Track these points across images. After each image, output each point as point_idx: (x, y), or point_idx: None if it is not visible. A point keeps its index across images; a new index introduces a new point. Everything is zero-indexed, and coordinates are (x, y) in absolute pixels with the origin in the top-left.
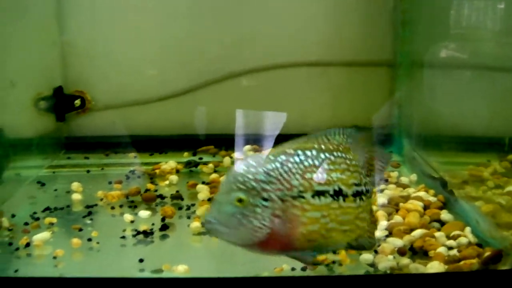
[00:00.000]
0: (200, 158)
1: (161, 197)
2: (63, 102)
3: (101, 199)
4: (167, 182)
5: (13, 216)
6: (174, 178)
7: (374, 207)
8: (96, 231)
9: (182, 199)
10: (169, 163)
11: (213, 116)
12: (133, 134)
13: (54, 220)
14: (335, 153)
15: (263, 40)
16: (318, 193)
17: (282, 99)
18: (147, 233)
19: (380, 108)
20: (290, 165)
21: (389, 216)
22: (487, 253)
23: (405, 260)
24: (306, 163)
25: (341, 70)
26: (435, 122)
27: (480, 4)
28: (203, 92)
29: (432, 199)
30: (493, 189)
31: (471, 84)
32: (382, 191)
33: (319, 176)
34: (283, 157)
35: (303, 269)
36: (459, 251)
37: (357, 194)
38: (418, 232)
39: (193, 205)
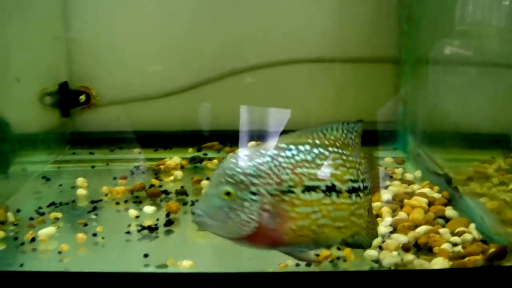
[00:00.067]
0: (205, 154)
1: (166, 192)
2: (68, 98)
3: (106, 195)
4: (171, 177)
5: (18, 211)
6: (179, 173)
7: (379, 204)
8: (101, 226)
9: (187, 195)
10: (173, 158)
11: (217, 112)
12: (138, 129)
13: (59, 215)
14: (330, 149)
15: (268, 37)
16: (309, 188)
17: (286, 96)
18: (152, 229)
19: (384, 105)
20: (280, 159)
21: (394, 212)
22: (492, 250)
23: (409, 256)
24: (297, 158)
25: (345, 66)
26: (440, 118)
27: (485, 1)
28: (207, 88)
29: (437, 195)
30: (498, 186)
31: (476, 80)
32: (386, 187)
33: (311, 171)
34: (274, 151)
35: (308, 265)
36: (463, 247)
37: (352, 191)
38: (422, 229)
39: (197, 200)
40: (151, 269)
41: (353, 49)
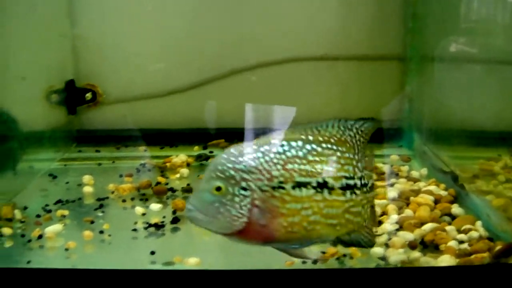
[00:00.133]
0: (211, 152)
1: (172, 190)
2: (74, 96)
3: (112, 192)
4: (178, 175)
5: (25, 208)
6: (185, 171)
7: (385, 201)
8: (107, 223)
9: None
10: (179, 156)
11: (223, 110)
12: (143, 127)
13: (66, 212)
14: (323, 145)
15: (271, 35)
16: (300, 185)
17: (292, 94)
18: (158, 226)
19: (390, 102)
20: (272, 155)
21: (400, 210)
22: (498, 247)
23: (416, 254)
24: (289, 154)
25: (350, 64)
26: (446, 116)
27: None
28: (213, 86)
29: (443, 193)
30: (504, 183)
31: (482, 78)
32: (392, 185)
33: (302, 167)
34: (266, 147)
35: (314, 262)
36: (470, 245)
37: (347, 188)
38: (428, 226)
39: None
40: (157, 266)
41: (358, 47)
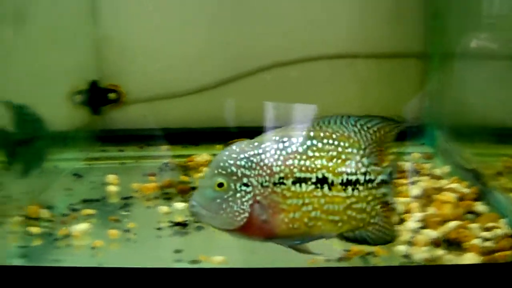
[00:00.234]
0: None
1: (195, 189)
2: (98, 96)
3: (136, 191)
4: (200, 174)
5: (51, 207)
6: (207, 170)
7: (408, 199)
8: (132, 222)
9: None
10: (202, 155)
11: (245, 109)
12: (166, 126)
13: (91, 211)
14: (324, 140)
15: (293, 33)
16: (300, 180)
17: (312, 92)
18: (183, 225)
19: (411, 100)
20: (272, 151)
21: (423, 208)
22: None
23: (439, 252)
24: (289, 150)
25: (371, 62)
26: (468, 113)
27: None
28: (235, 85)
29: (466, 190)
30: None
31: (504, 74)
32: (415, 183)
33: (302, 163)
34: (267, 143)
35: (339, 260)
36: (494, 242)
37: (348, 183)
38: (452, 224)
39: None
40: (183, 265)
41: (378, 44)
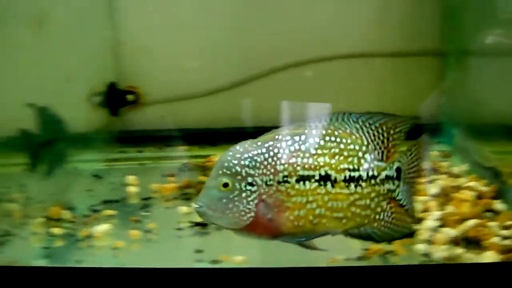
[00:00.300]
0: None
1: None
2: (116, 97)
3: (156, 192)
4: None
5: (73, 208)
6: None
7: (426, 198)
8: (152, 223)
9: None
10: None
11: (262, 109)
12: (184, 127)
13: (112, 212)
14: (326, 138)
15: (309, 33)
16: (303, 178)
17: (329, 92)
18: (203, 225)
19: (428, 98)
20: (276, 150)
21: (442, 206)
22: None
23: (459, 250)
24: (292, 148)
25: (387, 60)
26: (486, 111)
27: None
28: (252, 85)
29: (484, 189)
30: None
31: None
32: (433, 181)
33: (305, 161)
34: (270, 142)
35: (358, 258)
36: None
37: (350, 180)
38: (471, 222)
39: None
40: (204, 265)
41: (394, 43)
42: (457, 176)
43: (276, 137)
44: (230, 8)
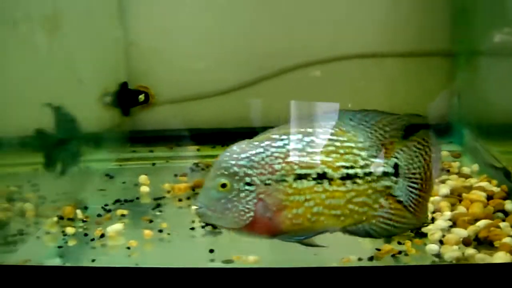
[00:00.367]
0: None
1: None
2: (128, 97)
3: (168, 192)
4: None
5: (86, 208)
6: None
7: (437, 198)
8: (165, 222)
9: None
10: None
11: (272, 109)
12: (195, 127)
13: (125, 212)
14: (322, 136)
15: (319, 33)
16: (300, 177)
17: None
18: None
19: (438, 98)
20: (273, 149)
21: (453, 206)
22: None
23: (470, 251)
24: (288, 147)
25: (398, 60)
26: (496, 111)
27: None
28: (262, 85)
29: (495, 189)
30: None
31: None
32: (444, 181)
33: (302, 159)
34: (267, 142)
35: (370, 259)
36: None
37: (347, 178)
38: (482, 223)
39: None
40: (217, 264)
41: (405, 43)
42: (467, 176)
43: (273, 136)
44: (241, 8)
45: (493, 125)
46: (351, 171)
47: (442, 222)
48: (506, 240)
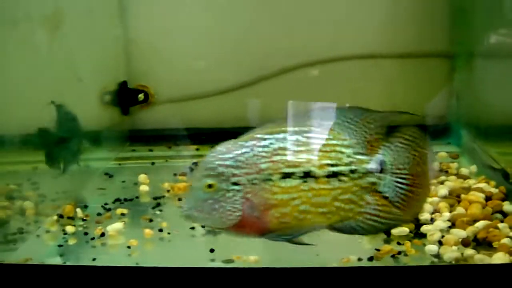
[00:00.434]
0: None
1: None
2: (127, 97)
3: (168, 191)
4: None
5: (85, 206)
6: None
7: (436, 199)
8: (165, 222)
9: None
10: None
11: (272, 109)
12: (194, 126)
13: (125, 211)
14: (307, 134)
15: (318, 34)
16: (286, 175)
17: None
18: None
19: (437, 99)
20: (258, 149)
21: (451, 207)
22: None
23: (469, 251)
24: (273, 146)
25: (397, 61)
26: (495, 112)
27: None
28: (262, 85)
29: (494, 190)
30: None
31: None
32: (442, 182)
33: (287, 158)
34: (252, 141)
35: (370, 259)
36: None
37: (332, 175)
38: (481, 223)
39: None
40: (217, 264)
41: (404, 44)
42: (466, 177)
43: (258, 136)
44: (241, 8)
45: (491, 126)
46: (336, 169)
47: (441, 222)
48: (505, 241)
